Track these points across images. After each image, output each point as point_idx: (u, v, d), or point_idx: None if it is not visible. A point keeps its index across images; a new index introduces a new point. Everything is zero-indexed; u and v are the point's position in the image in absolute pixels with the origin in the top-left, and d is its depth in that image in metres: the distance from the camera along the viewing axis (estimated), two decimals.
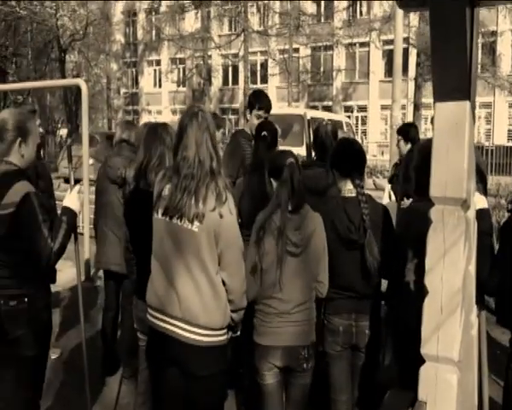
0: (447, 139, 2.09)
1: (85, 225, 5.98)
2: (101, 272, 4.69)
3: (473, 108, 2.22)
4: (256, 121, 3.72)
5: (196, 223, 2.21)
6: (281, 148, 4.31)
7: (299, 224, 2.54)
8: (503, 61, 24.56)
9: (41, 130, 4.68)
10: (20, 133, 2.57)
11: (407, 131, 5.05)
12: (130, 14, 36.62)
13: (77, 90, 5.73)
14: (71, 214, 2.62)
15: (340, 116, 18.77)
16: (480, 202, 2.49)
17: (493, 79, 21.79)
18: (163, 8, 31.39)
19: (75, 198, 2.67)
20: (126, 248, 2.86)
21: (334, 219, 2.69)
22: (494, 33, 24.58)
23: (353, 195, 2.75)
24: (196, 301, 2.25)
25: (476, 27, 2.42)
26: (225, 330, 2.36)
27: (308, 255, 2.55)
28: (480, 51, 23.66)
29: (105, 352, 4.10)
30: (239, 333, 2.52)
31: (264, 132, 3.40)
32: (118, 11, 36.15)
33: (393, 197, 4.26)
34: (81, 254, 4.89)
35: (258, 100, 3.84)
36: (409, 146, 4.97)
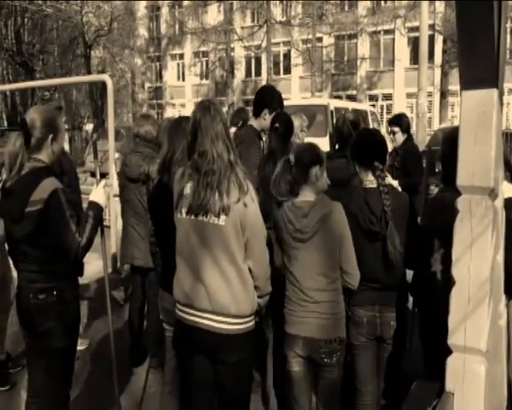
0: (474, 128, 2.05)
1: (111, 218, 6.07)
2: (127, 265, 4.77)
3: (500, 95, 2.17)
4: (266, 122, 3.66)
5: (223, 217, 2.24)
6: (306, 139, 4.33)
7: (307, 212, 2.55)
8: None
9: (66, 126, 4.77)
10: (50, 130, 2.61)
11: (403, 122, 5.06)
12: (154, 9, 36.80)
13: (102, 85, 5.83)
14: (97, 209, 2.67)
15: (365, 105, 18.53)
16: (508, 190, 2.44)
17: None
18: (186, 2, 31.48)
19: (101, 192, 2.72)
20: (151, 243, 2.90)
21: (356, 211, 2.69)
22: None
23: (374, 186, 2.73)
24: (226, 292, 2.28)
25: (504, 13, 2.37)
26: (253, 317, 2.40)
27: (319, 242, 2.54)
28: (508, 36, 23.05)
29: (132, 343, 4.18)
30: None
31: (277, 124, 3.40)
32: (141, 6, 36.36)
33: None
34: (107, 247, 4.98)
35: (272, 100, 3.72)
36: (405, 136, 5.02)
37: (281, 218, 2.61)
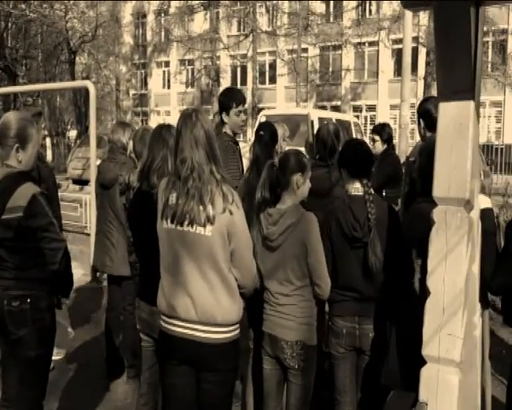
0: (451, 139, 2.07)
1: (92, 226, 6.01)
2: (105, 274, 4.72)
3: (477, 107, 2.20)
4: (238, 119, 3.61)
5: (209, 227, 2.22)
6: (288, 148, 4.35)
7: (276, 219, 2.64)
8: None
9: (45, 132, 4.72)
10: (18, 140, 2.59)
11: (385, 131, 5.12)
12: (140, 16, 36.78)
13: (86, 91, 5.77)
14: None
15: (349, 116, 18.70)
16: (483, 201, 2.46)
17: (503, 77, 21.57)
18: (172, 10, 31.48)
19: None
20: (130, 252, 2.87)
21: (340, 217, 2.72)
22: (505, 31, 24.35)
23: (360, 194, 2.76)
24: (212, 301, 2.26)
25: (481, 27, 2.40)
26: (238, 325, 2.37)
27: (285, 250, 2.63)
28: (490, 50, 23.50)
29: (108, 352, 4.11)
30: None
31: (261, 132, 3.41)
32: (127, 13, 36.30)
33: None
34: (88, 255, 4.92)
35: (234, 97, 3.65)
36: (385, 146, 5.08)
37: (256, 223, 2.69)
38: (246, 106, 3.73)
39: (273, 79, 32.46)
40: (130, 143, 3.74)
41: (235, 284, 2.32)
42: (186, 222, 2.23)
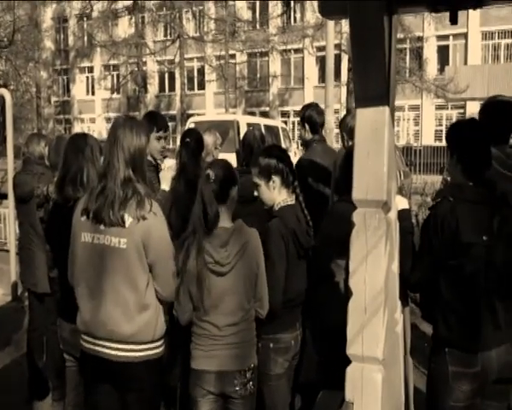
0: (368, 144, 2.14)
1: (11, 242, 5.68)
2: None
3: (392, 112, 2.30)
4: (157, 144, 3.44)
5: (123, 239, 2.16)
6: (220, 155, 4.33)
7: (225, 240, 2.35)
8: (429, 65, 25.78)
9: None
10: None
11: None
12: (61, 21, 35.50)
13: (2, 100, 5.45)
14: None
15: (277, 122, 19.00)
16: (401, 202, 2.57)
17: (420, 82, 22.75)
18: (95, 14, 30.58)
19: None
20: (49, 267, 2.75)
21: (293, 226, 2.61)
22: (420, 39, 25.74)
23: (294, 202, 2.71)
24: (124, 320, 2.20)
25: (394, 34, 2.51)
26: (159, 343, 2.31)
27: (239, 274, 2.36)
28: (407, 56, 24.73)
29: (31, 375, 3.90)
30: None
31: (187, 139, 3.36)
32: (47, 17, 34.92)
33: None
34: (8, 273, 4.65)
35: (155, 121, 3.49)
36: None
37: (195, 246, 2.35)
38: (167, 133, 3.56)
39: (202, 85, 32.38)
40: (46, 153, 3.60)
41: (152, 300, 2.25)
42: (102, 234, 2.16)
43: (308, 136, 3.94)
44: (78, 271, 2.28)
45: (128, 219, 2.15)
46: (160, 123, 3.48)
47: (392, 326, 2.19)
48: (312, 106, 4.05)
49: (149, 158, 3.44)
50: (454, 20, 2.31)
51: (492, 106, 3.01)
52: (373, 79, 2.18)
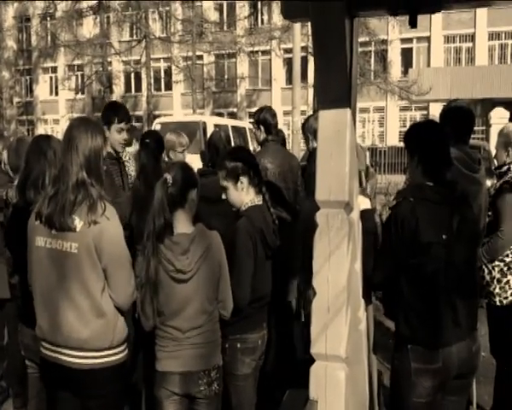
0: (330, 145, 2.17)
1: None
2: None
3: (353, 114, 2.33)
4: (119, 136, 3.38)
5: (74, 244, 2.12)
6: (188, 155, 4.31)
7: (186, 247, 2.31)
8: (393, 67, 26.31)
9: None
10: None
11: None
12: (23, 20, 34.61)
13: None
14: None
15: (245, 123, 19.00)
16: (363, 203, 2.62)
17: (385, 84, 23.16)
18: (59, 13, 29.94)
19: None
20: (10, 273, 2.68)
21: (261, 226, 2.62)
22: (385, 42, 26.22)
23: (261, 202, 2.72)
24: (79, 326, 2.17)
25: (356, 38, 2.55)
26: (120, 349, 2.28)
27: (201, 279, 2.34)
28: (372, 59, 25.16)
29: None
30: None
31: (147, 140, 3.34)
32: (9, 16, 34.02)
33: None
34: None
35: (116, 113, 3.44)
36: None
37: (155, 254, 2.29)
38: (128, 125, 3.46)
39: (169, 86, 32.12)
40: (5, 155, 3.49)
41: (110, 306, 2.22)
42: (55, 239, 2.14)
43: (263, 136, 4.06)
44: (34, 276, 2.25)
45: (79, 224, 2.12)
46: (121, 115, 3.41)
47: (356, 324, 2.23)
48: (266, 109, 4.22)
49: (110, 150, 3.40)
50: (413, 24, 2.37)
51: (452, 110, 3.11)
52: (335, 82, 2.21)
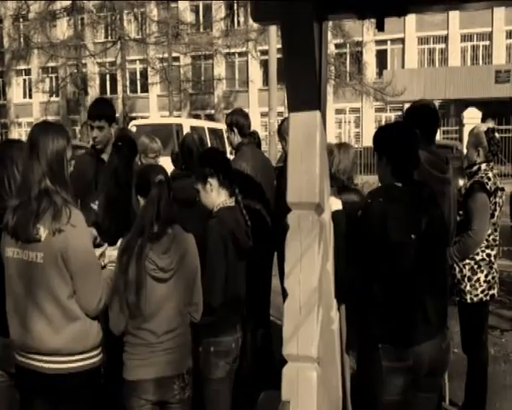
0: (301, 147, 2.19)
1: None
2: None
3: (323, 116, 2.35)
4: (90, 133, 3.37)
5: (40, 253, 2.11)
6: (161, 158, 4.28)
7: (167, 246, 2.31)
8: (368, 69, 26.58)
9: None
10: None
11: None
12: None
13: None
14: None
15: (221, 124, 18.96)
16: (335, 204, 2.64)
17: (360, 85, 23.38)
18: (32, 15, 29.44)
19: None
20: None
21: (233, 227, 2.62)
22: (359, 44, 26.49)
23: (234, 204, 2.72)
24: (51, 333, 2.16)
25: (325, 40, 2.58)
26: (93, 353, 2.26)
27: (179, 280, 2.34)
28: (347, 61, 25.40)
29: None
30: None
31: (119, 143, 3.31)
32: None
33: None
34: None
35: (89, 109, 3.43)
36: None
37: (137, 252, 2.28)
38: (101, 123, 3.34)
39: (145, 88, 31.89)
40: None
41: (77, 312, 2.20)
42: (19, 247, 2.13)
43: (237, 139, 4.02)
44: (6, 286, 2.24)
45: (44, 233, 2.10)
46: (89, 111, 3.39)
47: (328, 324, 2.25)
48: (238, 111, 4.18)
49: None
50: (381, 27, 2.41)
51: (417, 110, 3.15)
52: (304, 84, 2.23)
